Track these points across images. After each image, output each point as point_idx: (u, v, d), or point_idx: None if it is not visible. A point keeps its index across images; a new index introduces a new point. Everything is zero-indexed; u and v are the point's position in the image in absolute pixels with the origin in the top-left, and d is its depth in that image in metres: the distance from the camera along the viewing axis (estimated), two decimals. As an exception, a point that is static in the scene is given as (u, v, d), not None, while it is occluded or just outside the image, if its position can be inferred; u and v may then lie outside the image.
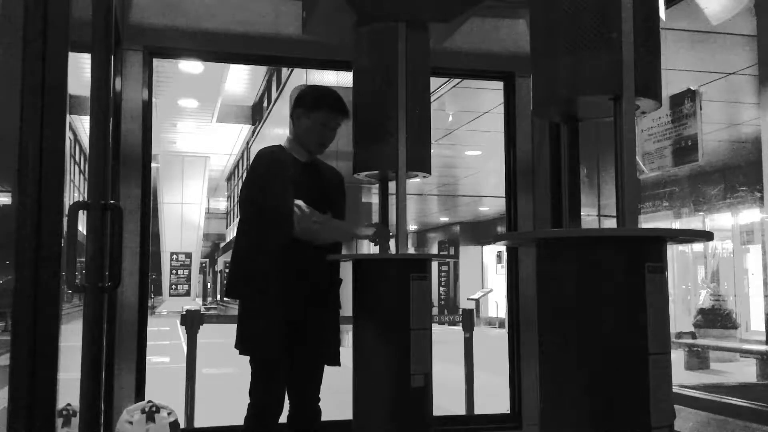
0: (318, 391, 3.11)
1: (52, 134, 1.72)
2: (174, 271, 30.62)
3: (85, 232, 2.04)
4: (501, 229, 18.92)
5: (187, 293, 30.92)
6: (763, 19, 4.01)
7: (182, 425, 3.86)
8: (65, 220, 1.95)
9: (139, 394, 3.48)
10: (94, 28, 1.99)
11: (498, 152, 4.86)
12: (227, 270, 3.19)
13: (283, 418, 3.05)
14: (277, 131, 12.91)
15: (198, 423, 4.74)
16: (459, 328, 6.12)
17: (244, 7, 3.75)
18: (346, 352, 2.95)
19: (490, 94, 8.28)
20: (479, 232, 22.78)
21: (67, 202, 2.00)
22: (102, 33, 2.01)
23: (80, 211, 1.99)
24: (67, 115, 1.71)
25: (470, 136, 11.09)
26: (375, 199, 4.55)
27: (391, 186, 3.24)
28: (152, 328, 3.74)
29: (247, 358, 2.96)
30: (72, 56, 1.86)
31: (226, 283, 3.10)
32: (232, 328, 3.16)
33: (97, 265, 1.97)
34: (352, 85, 3.29)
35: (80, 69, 4.12)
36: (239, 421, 3.12)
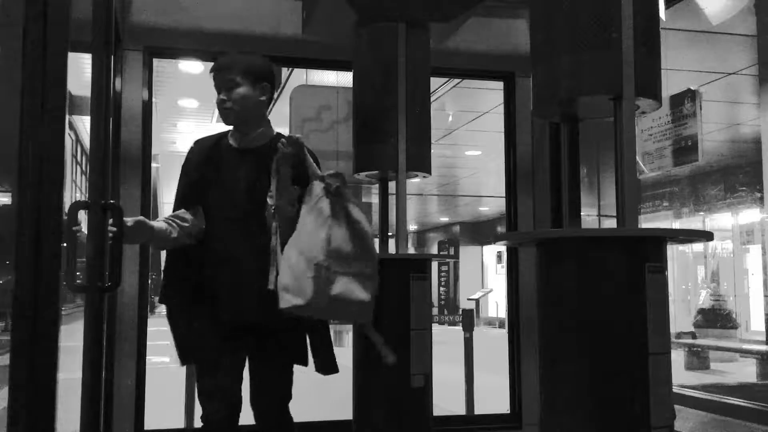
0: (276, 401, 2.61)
1: (52, 134, 1.72)
2: (174, 271, 30.59)
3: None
4: (501, 229, 18.91)
5: (187, 293, 30.89)
6: (763, 19, 4.01)
7: (182, 425, 3.87)
8: (66, 220, 1.95)
9: (139, 394, 3.48)
10: (94, 28, 1.99)
11: (498, 152, 4.86)
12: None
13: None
14: (277, 131, 12.87)
15: (198, 423, 4.73)
16: (459, 328, 6.12)
17: (244, 7, 3.75)
18: (347, 352, 2.95)
19: (490, 94, 8.27)
20: (479, 232, 22.76)
21: (69, 202, 2.00)
22: (102, 33, 2.01)
23: (82, 212, 1.99)
24: (67, 115, 1.71)
25: (470, 136, 11.07)
26: (375, 199, 4.55)
27: (391, 186, 3.24)
28: (152, 328, 3.74)
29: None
30: (72, 56, 1.85)
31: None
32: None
33: (97, 265, 1.96)
34: (352, 85, 3.29)
35: (80, 69, 4.12)
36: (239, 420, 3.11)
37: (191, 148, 2.68)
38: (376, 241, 3.03)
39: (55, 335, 1.66)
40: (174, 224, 2.51)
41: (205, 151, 2.63)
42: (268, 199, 2.42)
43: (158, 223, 2.49)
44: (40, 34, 1.74)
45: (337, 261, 2.37)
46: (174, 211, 2.57)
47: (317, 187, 2.43)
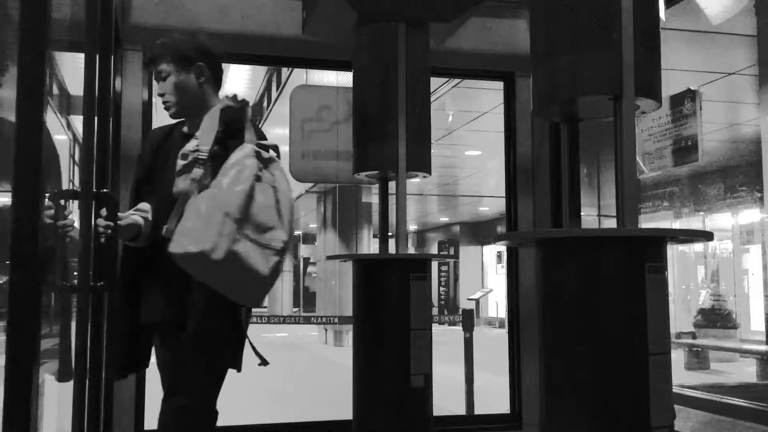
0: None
1: (31, 127, 1.62)
2: (174, 271, 30.57)
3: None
4: (501, 229, 18.91)
5: (187, 293, 30.85)
6: (763, 19, 4.01)
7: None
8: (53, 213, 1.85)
9: (139, 394, 3.48)
10: (89, 26, 1.96)
11: (498, 152, 4.86)
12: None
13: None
14: (277, 131, 12.90)
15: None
16: (459, 328, 6.12)
17: (244, 7, 3.75)
18: (347, 352, 2.95)
19: (490, 94, 8.27)
20: (479, 232, 22.77)
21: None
22: (94, 30, 1.97)
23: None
24: (45, 107, 1.63)
25: (470, 136, 11.08)
26: (375, 199, 4.55)
27: (391, 186, 3.24)
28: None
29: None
30: (72, 56, 1.83)
31: None
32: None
33: (87, 261, 1.81)
34: (352, 85, 3.29)
35: (80, 69, 4.11)
36: (238, 420, 3.12)
37: (144, 140, 2.57)
38: (375, 240, 3.02)
39: (35, 338, 1.56)
40: (147, 219, 2.36)
41: (156, 141, 2.50)
42: (198, 145, 2.26)
43: (138, 218, 2.35)
44: (25, 30, 1.69)
45: (249, 223, 2.17)
46: (130, 205, 2.43)
47: (248, 146, 2.27)
